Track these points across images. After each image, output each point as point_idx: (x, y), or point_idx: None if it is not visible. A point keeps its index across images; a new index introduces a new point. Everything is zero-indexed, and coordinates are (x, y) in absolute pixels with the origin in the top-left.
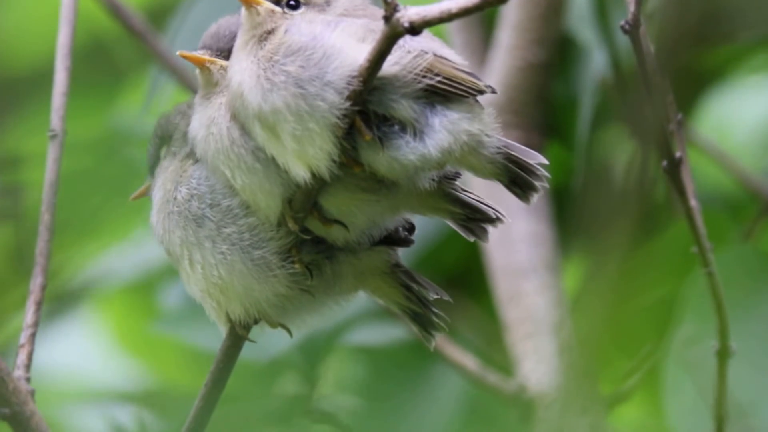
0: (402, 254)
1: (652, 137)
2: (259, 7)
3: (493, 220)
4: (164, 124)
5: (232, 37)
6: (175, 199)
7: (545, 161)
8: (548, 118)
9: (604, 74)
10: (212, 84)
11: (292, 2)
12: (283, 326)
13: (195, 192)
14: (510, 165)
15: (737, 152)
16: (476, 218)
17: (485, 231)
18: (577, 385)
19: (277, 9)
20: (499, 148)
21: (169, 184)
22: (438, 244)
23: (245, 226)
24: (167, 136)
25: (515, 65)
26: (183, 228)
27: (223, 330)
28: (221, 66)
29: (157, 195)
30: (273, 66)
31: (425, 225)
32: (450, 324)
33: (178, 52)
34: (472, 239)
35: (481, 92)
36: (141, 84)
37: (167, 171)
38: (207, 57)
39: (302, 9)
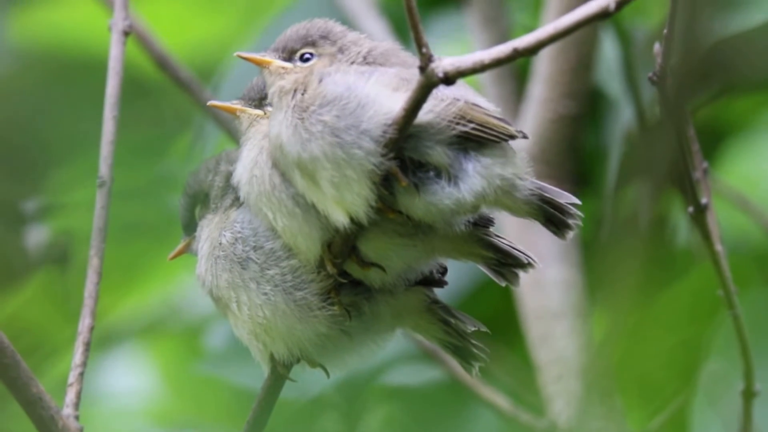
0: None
1: (673, 184)
2: (269, 67)
3: (525, 265)
4: (193, 184)
5: (265, 88)
6: (220, 244)
7: (577, 201)
8: (579, 169)
9: (631, 125)
10: (244, 130)
11: (306, 55)
12: (322, 366)
13: (239, 235)
14: (544, 205)
15: (762, 201)
16: (508, 263)
17: (516, 276)
18: (606, 423)
19: (288, 65)
20: (532, 190)
21: (215, 233)
22: (473, 292)
23: (287, 268)
24: (201, 194)
25: (547, 117)
26: (229, 271)
27: (266, 370)
28: (250, 114)
29: (204, 246)
30: (310, 116)
31: (461, 274)
32: (485, 364)
33: (209, 102)
34: (503, 284)
35: (513, 137)
36: (186, 133)
37: (212, 223)
38: (237, 106)
39: (314, 60)
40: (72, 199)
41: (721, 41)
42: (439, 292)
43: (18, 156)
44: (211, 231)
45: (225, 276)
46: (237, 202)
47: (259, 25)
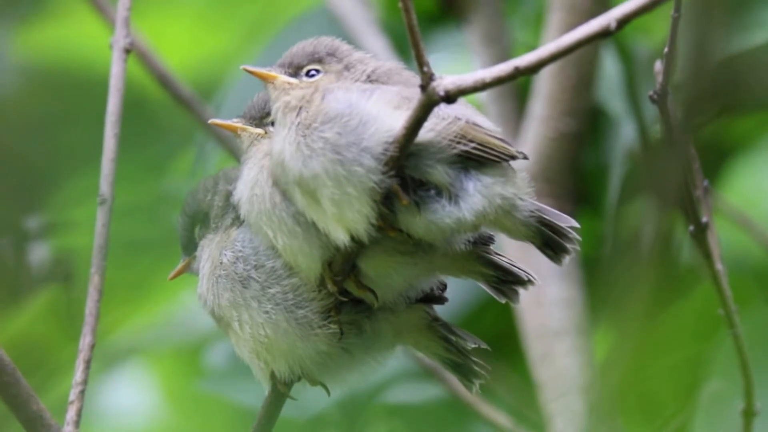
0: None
1: (677, 203)
2: (275, 82)
3: (525, 283)
4: (192, 203)
5: (266, 107)
6: (221, 263)
7: (576, 224)
8: (580, 187)
9: (632, 144)
10: (245, 149)
11: (312, 72)
12: (322, 384)
13: (240, 254)
14: (542, 228)
15: (763, 219)
16: (508, 280)
17: (516, 293)
18: None
19: (294, 81)
20: (532, 211)
21: (215, 252)
22: (474, 310)
23: (288, 287)
24: (200, 214)
25: (547, 135)
26: (231, 290)
27: (267, 389)
28: (251, 133)
29: (205, 266)
30: (312, 133)
31: (461, 292)
32: (486, 382)
33: (210, 121)
34: (503, 301)
35: (513, 158)
36: (188, 150)
37: (213, 243)
38: (239, 125)
39: (321, 76)
40: (75, 216)
41: (724, 61)
42: (439, 311)
43: (21, 173)
44: (211, 250)
45: (226, 295)
46: (237, 221)
47: (260, 43)
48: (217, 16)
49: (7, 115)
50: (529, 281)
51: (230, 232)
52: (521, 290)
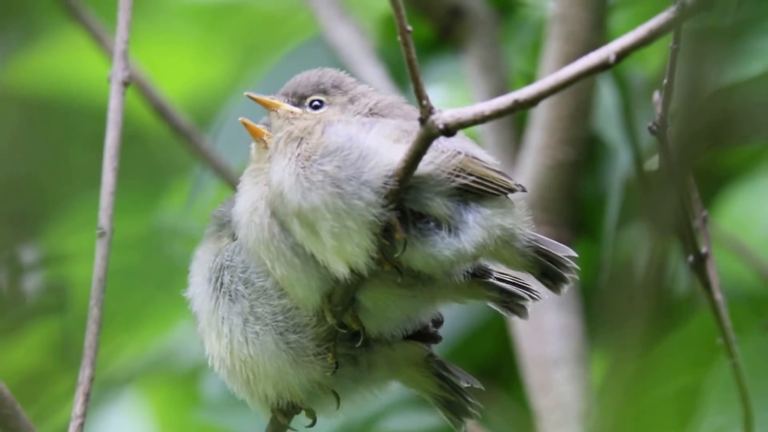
0: (435, 346)
1: (673, 232)
2: (278, 110)
3: (531, 298)
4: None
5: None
6: (209, 269)
7: (574, 254)
8: (577, 215)
9: (629, 172)
10: (264, 159)
11: (316, 102)
12: (312, 414)
13: (228, 263)
14: (540, 258)
15: (757, 247)
16: (513, 298)
17: (524, 308)
18: None
19: (297, 110)
20: (529, 241)
21: (208, 256)
22: (470, 336)
23: (279, 308)
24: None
25: (545, 164)
26: (214, 299)
27: (251, 405)
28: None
29: (197, 268)
30: (311, 165)
31: (457, 318)
32: (482, 412)
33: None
34: (512, 317)
35: (512, 190)
36: (184, 181)
37: (208, 249)
38: (265, 131)
39: (325, 108)
40: (71, 247)
41: (720, 91)
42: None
43: (17, 203)
44: (205, 253)
45: (207, 303)
46: (233, 236)
47: (258, 72)
48: (214, 47)
49: (4, 145)
50: (534, 296)
51: (224, 240)
52: (528, 305)
